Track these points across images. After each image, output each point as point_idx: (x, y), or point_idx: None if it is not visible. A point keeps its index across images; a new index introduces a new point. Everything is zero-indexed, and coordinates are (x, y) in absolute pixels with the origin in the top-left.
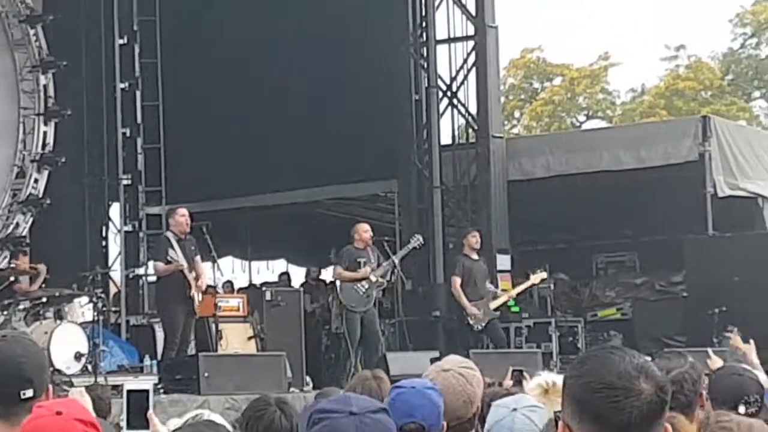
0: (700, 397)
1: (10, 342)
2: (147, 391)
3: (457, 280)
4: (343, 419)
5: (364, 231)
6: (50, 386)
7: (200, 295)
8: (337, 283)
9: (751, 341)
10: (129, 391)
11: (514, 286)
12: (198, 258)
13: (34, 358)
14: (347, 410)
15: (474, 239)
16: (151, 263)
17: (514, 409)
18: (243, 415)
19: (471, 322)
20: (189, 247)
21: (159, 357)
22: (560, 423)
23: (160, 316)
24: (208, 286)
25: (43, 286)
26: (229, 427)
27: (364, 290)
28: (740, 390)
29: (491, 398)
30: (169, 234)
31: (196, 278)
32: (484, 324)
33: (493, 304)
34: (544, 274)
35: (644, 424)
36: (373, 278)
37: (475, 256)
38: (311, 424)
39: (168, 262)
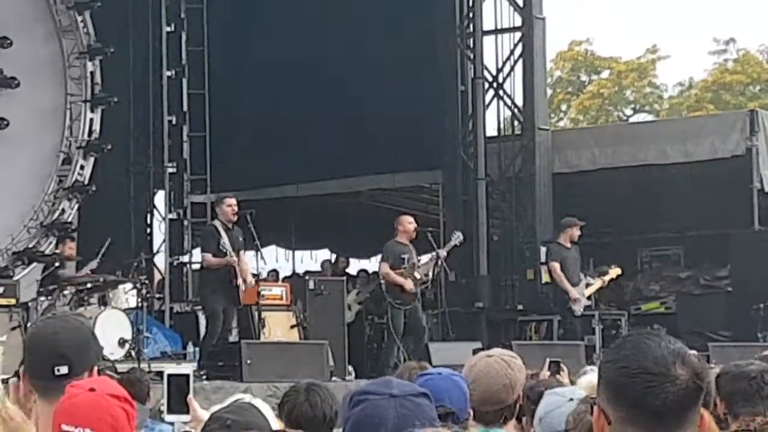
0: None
1: (54, 319)
2: (187, 375)
3: (557, 266)
4: (383, 401)
5: (408, 223)
6: (95, 368)
7: (244, 285)
8: (382, 280)
9: None
10: (170, 376)
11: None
12: (242, 252)
13: (71, 335)
14: (388, 392)
15: (577, 233)
16: (197, 252)
17: (571, 399)
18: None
19: (573, 306)
20: (236, 237)
21: (202, 343)
22: (596, 408)
23: (202, 304)
24: (252, 275)
25: (89, 272)
26: (271, 412)
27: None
28: None
29: (530, 388)
30: (216, 223)
31: (242, 270)
32: (582, 310)
33: (587, 292)
34: (619, 270)
35: (680, 410)
36: (417, 276)
37: (568, 245)
38: (352, 405)
39: (221, 253)
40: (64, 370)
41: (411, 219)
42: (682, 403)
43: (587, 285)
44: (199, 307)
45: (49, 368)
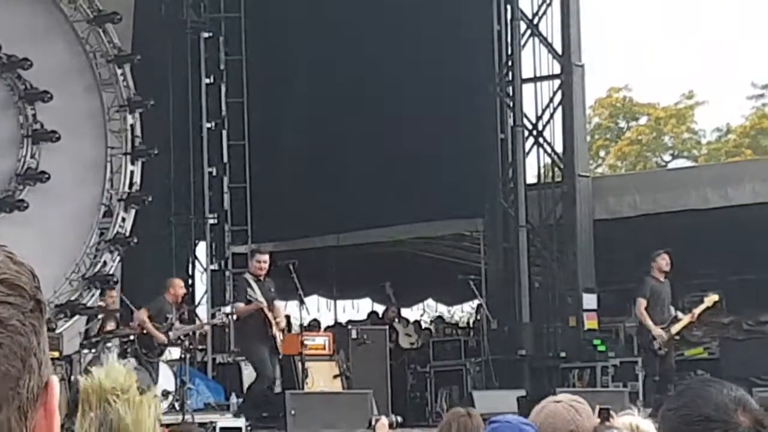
0: None
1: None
2: (239, 429)
3: (642, 303)
4: None
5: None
6: None
7: (281, 334)
8: None
9: None
10: (221, 429)
11: (599, 324)
12: (277, 301)
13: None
14: None
15: (664, 262)
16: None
17: None
18: None
19: (656, 346)
20: (269, 287)
21: (247, 392)
22: None
23: (246, 355)
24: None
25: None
26: None
27: None
28: None
29: None
30: (247, 275)
31: (276, 318)
32: (666, 350)
33: (675, 329)
34: (716, 296)
35: None
36: None
37: (662, 279)
38: None
39: (248, 302)
40: None
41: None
42: None
43: (676, 319)
44: (241, 358)
45: None
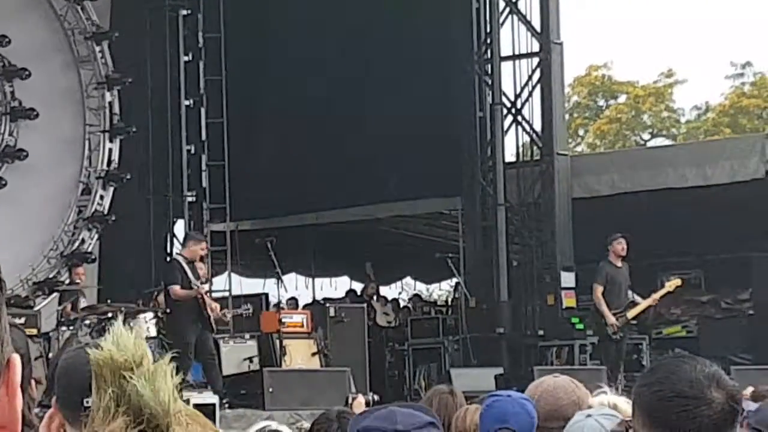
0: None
1: (84, 349)
2: (213, 405)
3: (599, 288)
4: None
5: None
6: None
7: (212, 313)
8: None
9: None
10: (195, 406)
11: (577, 302)
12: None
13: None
14: (393, 428)
15: (620, 246)
16: (216, 280)
17: (589, 415)
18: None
19: (610, 331)
20: (196, 270)
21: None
22: None
23: (172, 337)
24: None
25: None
26: None
27: None
28: None
29: None
30: (179, 258)
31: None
32: (622, 334)
33: (631, 314)
34: (679, 281)
35: None
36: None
37: (619, 264)
38: None
39: (188, 286)
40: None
41: None
42: (718, 425)
43: (634, 304)
44: (220, 336)
45: (79, 399)
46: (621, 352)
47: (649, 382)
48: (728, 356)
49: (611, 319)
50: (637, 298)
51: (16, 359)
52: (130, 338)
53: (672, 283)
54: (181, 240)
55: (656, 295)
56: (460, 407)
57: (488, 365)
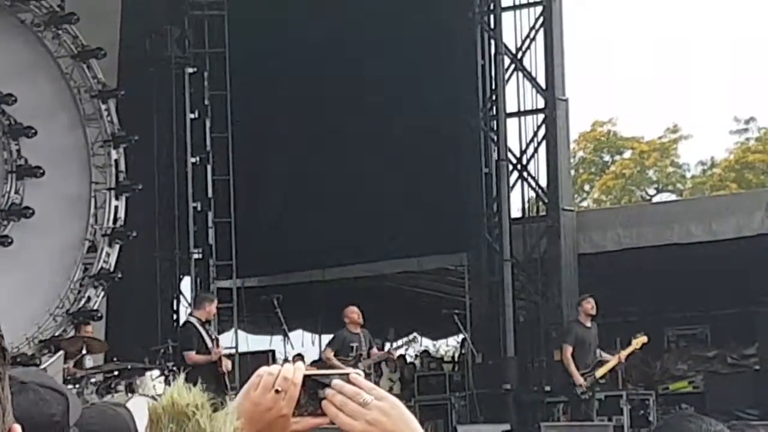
0: None
1: (89, 408)
2: None
3: (568, 349)
4: None
5: (351, 312)
6: None
7: (227, 372)
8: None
9: None
10: None
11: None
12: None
13: (108, 424)
14: None
15: (589, 305)
16: (221, 337)
17: None
18: None
19: (579, 391)
20: (210, 330)
21: None
22: None
23: None
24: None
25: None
26: None
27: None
28: None
29: None
30: (193, 319)
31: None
32: (590, 394)
33: (599, 372)
34: (645, 338)
35: None
36: (361, 367)
37: (588, 324)
38: None
39: (206, 351)
40: None
41: (354, 308)
42: None
43: (601, 363)
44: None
45: None
46: (591, 410)
47: None
48: (735, 411)
49: (579, 379)
50: (605, 356)
51: (17, 430)
52: (192, 389)
53: (638, 341)
54: (191, 300)
55: (623, 354)
56: None
57: (495, 421)
